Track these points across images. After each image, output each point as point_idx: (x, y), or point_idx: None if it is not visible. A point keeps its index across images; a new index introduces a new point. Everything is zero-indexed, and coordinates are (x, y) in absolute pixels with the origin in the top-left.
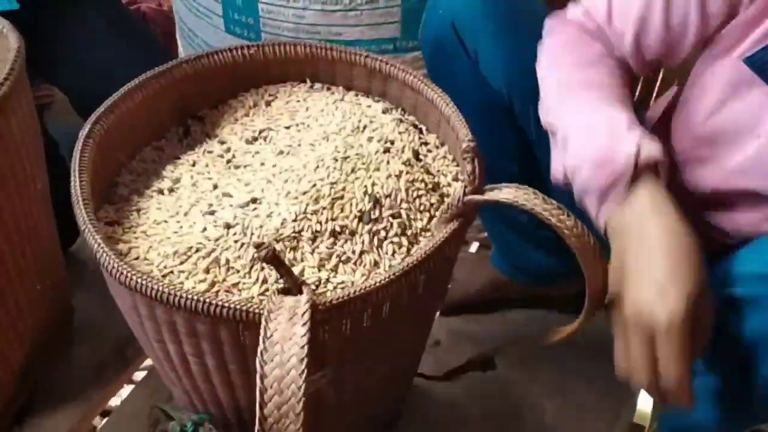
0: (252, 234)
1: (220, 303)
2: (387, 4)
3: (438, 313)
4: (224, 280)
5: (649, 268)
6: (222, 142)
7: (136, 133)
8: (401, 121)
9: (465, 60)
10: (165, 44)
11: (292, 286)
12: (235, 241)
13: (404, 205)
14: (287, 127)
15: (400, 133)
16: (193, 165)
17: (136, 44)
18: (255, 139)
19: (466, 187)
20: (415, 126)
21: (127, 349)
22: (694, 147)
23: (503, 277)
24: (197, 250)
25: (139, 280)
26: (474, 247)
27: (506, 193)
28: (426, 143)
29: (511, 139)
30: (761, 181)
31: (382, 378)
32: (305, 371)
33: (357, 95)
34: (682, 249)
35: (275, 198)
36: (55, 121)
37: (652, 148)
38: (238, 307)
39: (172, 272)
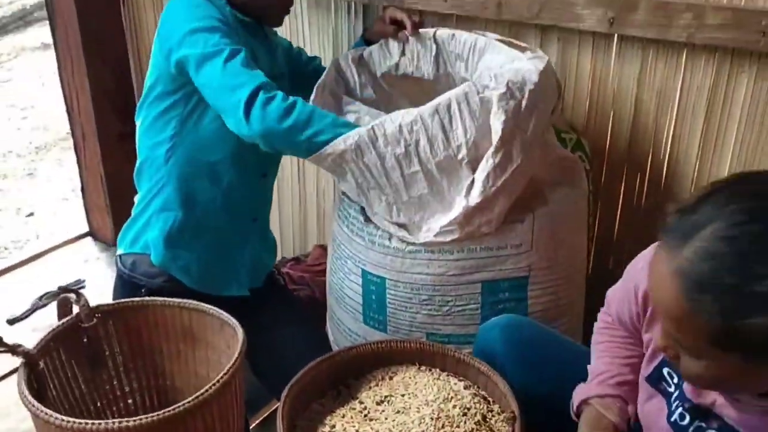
0: None
1: None
2: (470, 314)
3: None
4: None
5: None
6: (361, 402)
7: (307, 393)
8: (476, 394)
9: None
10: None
11: None
12: None
13: None
14: (402, 395)
15: (474, 402)
16: (342, 417)
17: (310, 334)
18: (382, 401)
19: None
20: (485, 398)
21: None
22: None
23: None
24: None
25: None
26: None
27: None
28: (491, 410)
29: None
30: None
31: None
32: None
33: (448, 375)
34: None
35: None
36: None
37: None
38: None
39: None
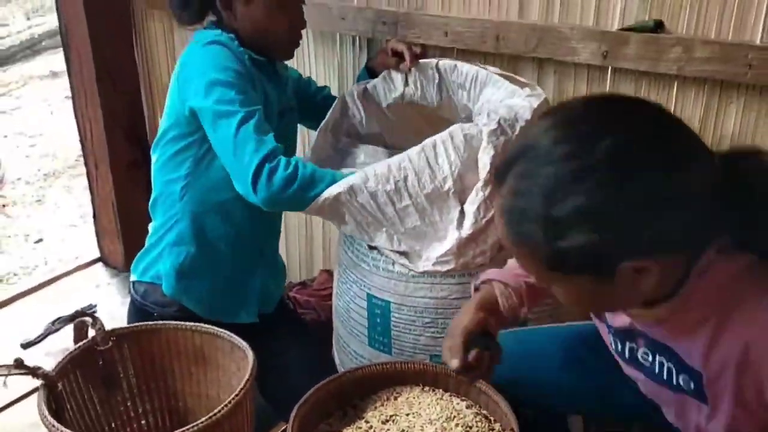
0: None
1: None
2: None
3: None
4: None
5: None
6: (367, 422)
7: (315, 414)
8: (477, 413)
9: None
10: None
11: None
12: None
13: None
14: (407, 414)
15: (476, 421)
16: None
17: (317, 357)
18: (387, 421)
19: None
20: (486, 417)
21: None
22: None
23: None
24: None
25: None
26: None
27: None
28: (493, 428)
29: None
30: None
31: None
32: None
33: (450, 395)
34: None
35: None
36: None
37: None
38: None
39: None
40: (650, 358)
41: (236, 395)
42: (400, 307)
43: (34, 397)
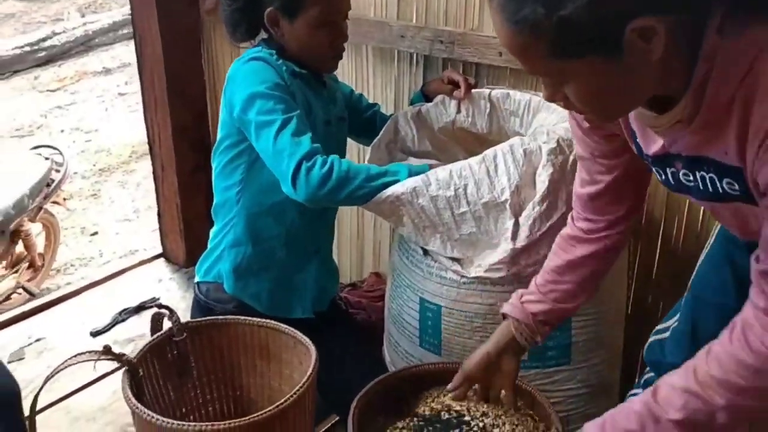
0: None
1: None
2: None
3: None
4: None
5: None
6: (417, 416)
7: (372, 407)
8: (523, 413)
9: None
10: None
11: None
12: None
13: None
14: (456, 410)
15: (522, 420)
16: (402, 429)
17: (369, 354)
18: (437, 413)
19: None
20: (532, 416)
21: None
22: None
23: None
24: None
25: None
26: None
27: None
28: (537, 428)
29: None
30: None
31: None
32: None
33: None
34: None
35: None
36: None
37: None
38: None
39: None
40: (692, 177)
41: (301, 387)
42: (451, 312)
43: (102, 383)
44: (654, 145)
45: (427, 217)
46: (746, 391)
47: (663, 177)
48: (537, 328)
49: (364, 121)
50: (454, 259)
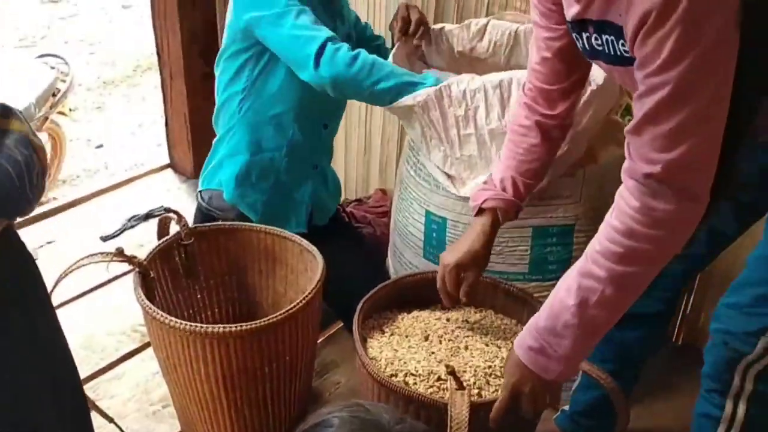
0: None
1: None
2: (520, 254)
3: None
4: None
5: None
6: (417, 315)
7: (375, 308)
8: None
9: None
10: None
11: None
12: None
13: None
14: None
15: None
16: (402, 320)
17: (373, 265)
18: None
19: None
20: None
21: None
22: None
23: None
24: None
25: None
26: None
27: None
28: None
29: None
30: None
31: None
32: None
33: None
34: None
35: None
36: None
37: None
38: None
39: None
40: (600, 41)
41: (309, 293)
42: (456, 224)
43: (113, 285)
44: (572, 9)
45: (434, 130)
46: (623, 258)
47: (581, 43)
48: (520, 193)
49: (369, 51)
50: (447, 175)
